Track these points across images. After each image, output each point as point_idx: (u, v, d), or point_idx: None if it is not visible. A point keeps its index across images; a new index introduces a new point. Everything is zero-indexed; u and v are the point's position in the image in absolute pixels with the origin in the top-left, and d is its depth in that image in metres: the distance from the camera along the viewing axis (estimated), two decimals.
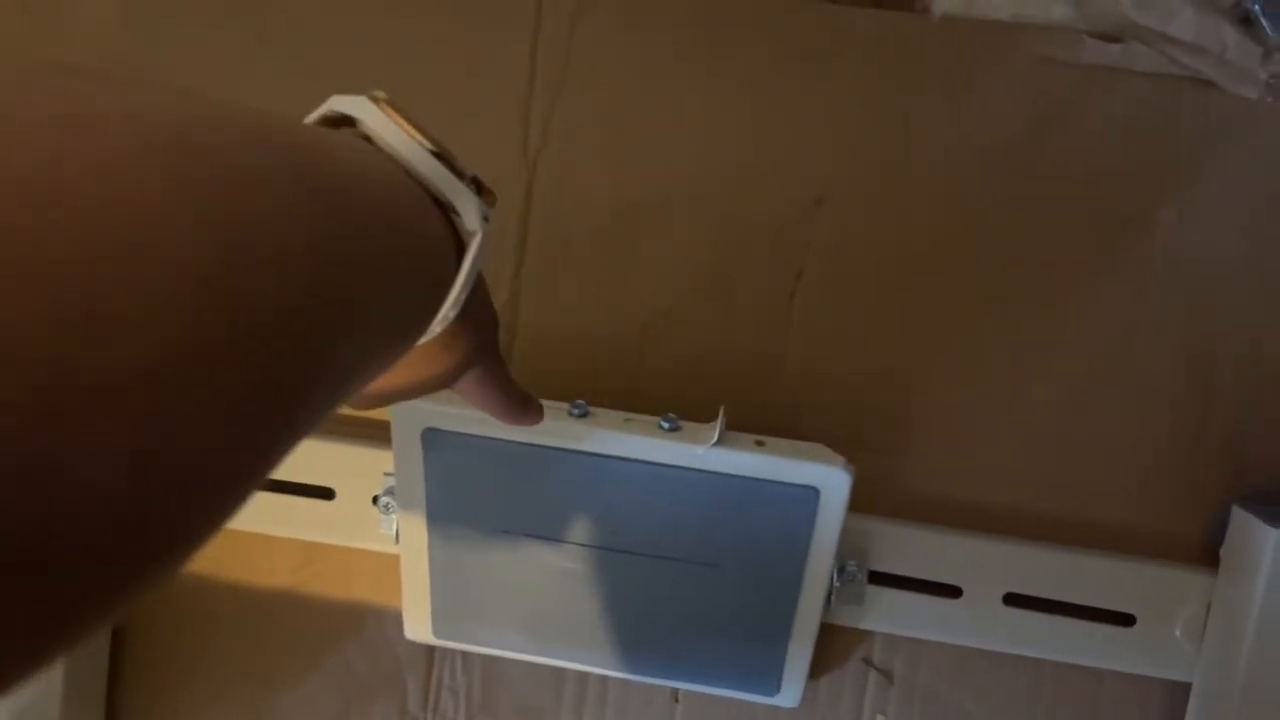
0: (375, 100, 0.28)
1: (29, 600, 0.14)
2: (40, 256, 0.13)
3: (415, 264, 0.26)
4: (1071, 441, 0.57)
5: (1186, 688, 0.57)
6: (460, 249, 0.29)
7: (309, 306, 0.20)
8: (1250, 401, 0.56)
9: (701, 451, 0.51)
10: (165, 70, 0.59)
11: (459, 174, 0.28)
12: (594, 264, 0.58)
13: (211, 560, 0.62)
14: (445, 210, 0.28)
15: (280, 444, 0.20)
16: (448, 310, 0.29)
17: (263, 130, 0.20)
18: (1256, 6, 0.52)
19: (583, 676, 0.61)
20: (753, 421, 0.55)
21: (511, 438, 0.52)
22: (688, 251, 0.58)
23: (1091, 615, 0.57)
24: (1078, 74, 0.54)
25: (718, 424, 0.51)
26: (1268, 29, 0.52)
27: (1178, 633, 0.56)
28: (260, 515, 0.60)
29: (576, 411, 0.52)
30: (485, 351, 0.37)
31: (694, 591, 0.54)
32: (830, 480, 0.51)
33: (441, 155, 0.28)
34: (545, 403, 0.54)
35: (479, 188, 0.29)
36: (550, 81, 0.57)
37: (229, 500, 0.18)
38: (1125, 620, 0.57)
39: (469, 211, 0.29)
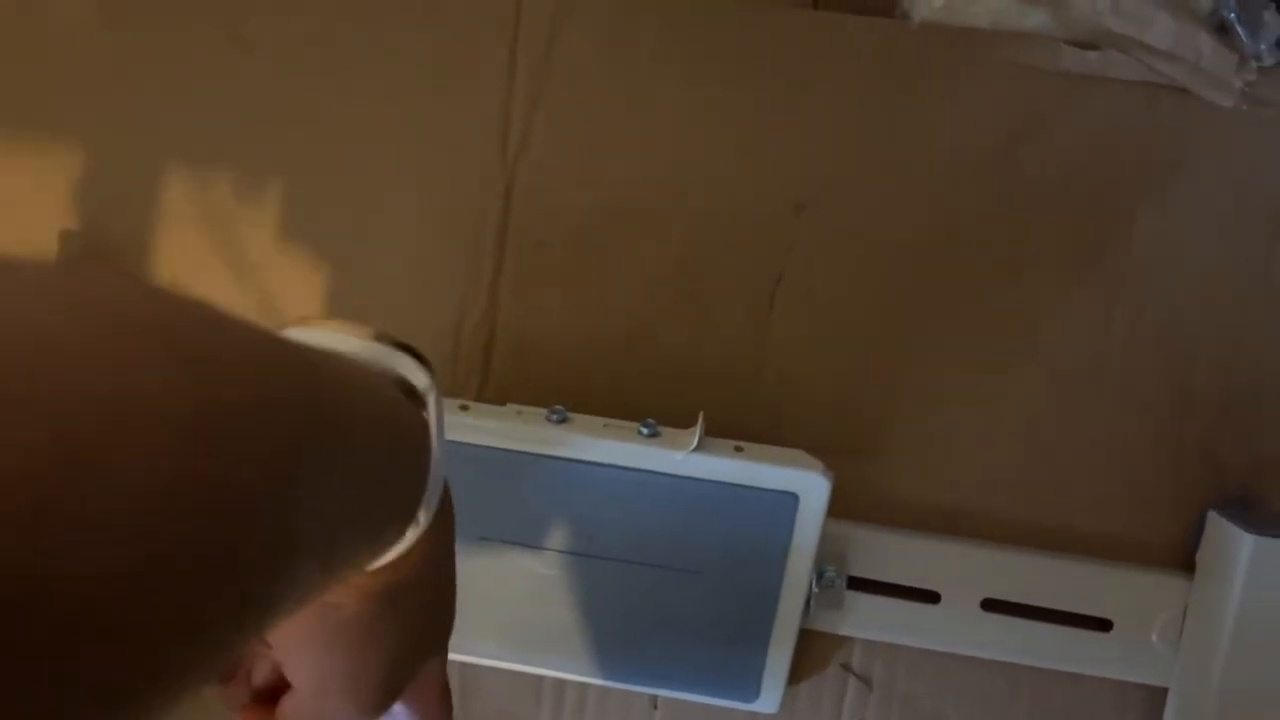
0: (305, 322, 0.29)
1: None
2: (40, 394, 0.15)
3: (389, 429, 0.27)
4: (1049, 447, 0.57)
5: (1164, 692, 0.57)
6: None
7: (283, 455, 0.20)
8: (1226, 407, 0.56)
9: (680, 457, 0.51)
10: (141, 74, 0.59)
11: (398, 346, 0.29)
12: (573, 268, 0.58)
13: None
14: (408, 395, 0.29)
15: (254, 611, 0.20)
16: (429, 497, 0.29)
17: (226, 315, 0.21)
18: (1233, 15, 0.52)
19: (560, 684, 0.60)
20: (732, 427, 0.55)
21: (489, 444, 0.51)
22: (667, 256, 0.58)
23: (1069, 620, 0.57)
24: (1055, 81, 0.55)
25: (697, 429, 0.51)
26: (1244, 37, 0.52)
27: (1155, 638, 0.56)
28: None
29: (555, 417, 0.52)
30: (452, 609, 0.35)
31: (672, 597, 0.54)
32: (809, 486, 0.51)
33: (378, 337, 0.29)
34: (525, 408, 0.54)
35: (418, 356, 0.29)
36: (530, 85, 0.57)
37: (209, 640, 0.18)
38: (1103, 625, 0.57)
39: (415, 374, 0.29)
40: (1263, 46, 0.52)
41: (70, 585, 0.14)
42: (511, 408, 0.54)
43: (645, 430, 0.52)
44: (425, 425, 0.29)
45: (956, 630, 0.57)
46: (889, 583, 0.57)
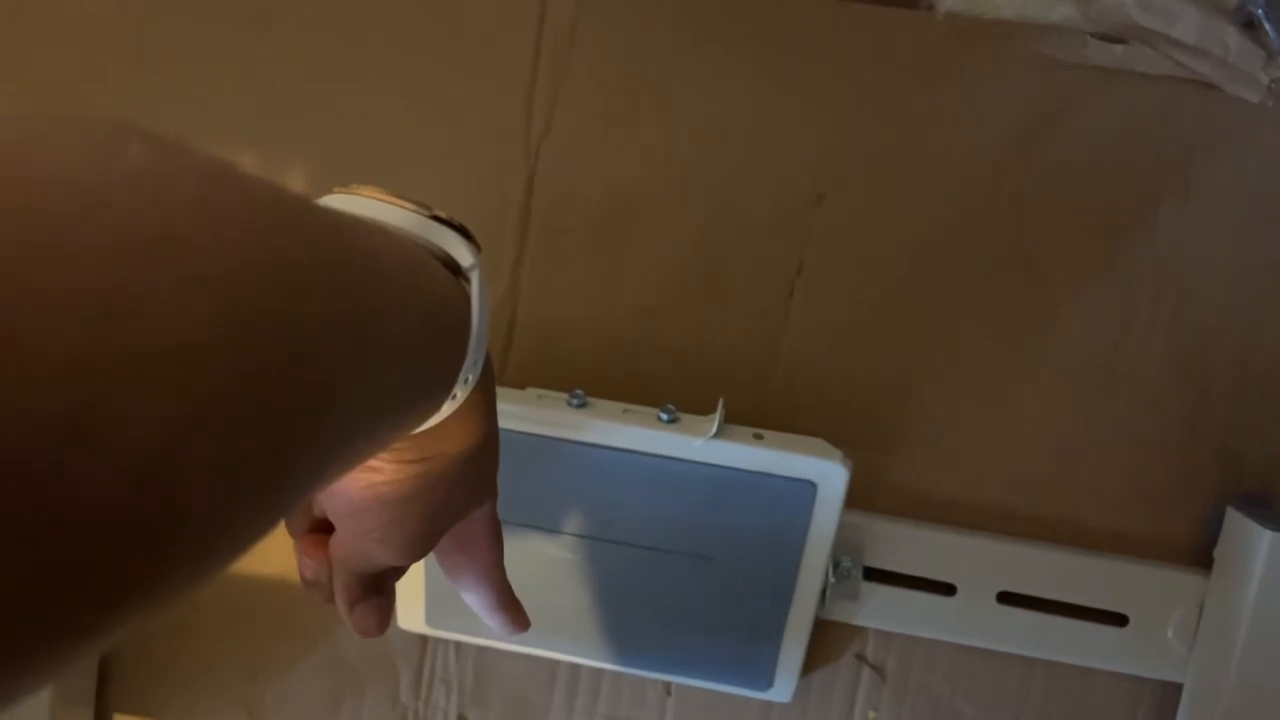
0: (348, 189, 0.29)
1: (60, 571, 0.14)
2: (82, 242, 0.14)
3: (425, 302, 0.27)
4: (1067, 441, 0.57)
5: (1178, 688, 0.57)
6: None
7: (326, 312, 0.20)
8: (1245, 403, 0.56)
9: (699, 443, 0.51)
10: (160, 60, 0.59)
11: (443, 221, 0.29)
12: (594, 254, 0.58)
13: None
14: (449, 268, 0.29)
15: (302, 454, 0.20)
16: (466, 371, 0.29)
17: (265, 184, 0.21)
18: (1260, 10, 0.52)
19: (575, 668, 0.61)
20: (751, 415, 0.55)
21: (509, 427, 0.52)
22: (688, 243, 0.58)
23: (1085, 615, 0.57)
24: (1080, 74, 0.55)
25: (716, 416, 0.51)
26: (1271, 33, 0.52)
27: (1170, 633, 0.56)
28: None
29: (575, 401, 0.52)
30: (494, 470, 0.35)
31: (688, 584, 0.54)
32: (828, 475, 0.51)
33: (422, 210, 0.29)
34: (545, 392, 0.54)
35: (465, 234, 0.29)
36: (553, 73, 0.57)
37: (251, 492, 0.18)
38: (1118, 620, 0.57)
39: (459, 250, 0.29)
40: None
41: (109, 437, 0.14)
42: (532, 392, 0.54)
43: (665, 416, 0.52)
44: (467, 300, 0.29)
45: (971, 622, 0.57)
46: (905, 574, 0.57)
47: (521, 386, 0.55)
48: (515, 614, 0.40)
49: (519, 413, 0.52)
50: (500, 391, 0.53)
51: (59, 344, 0.13)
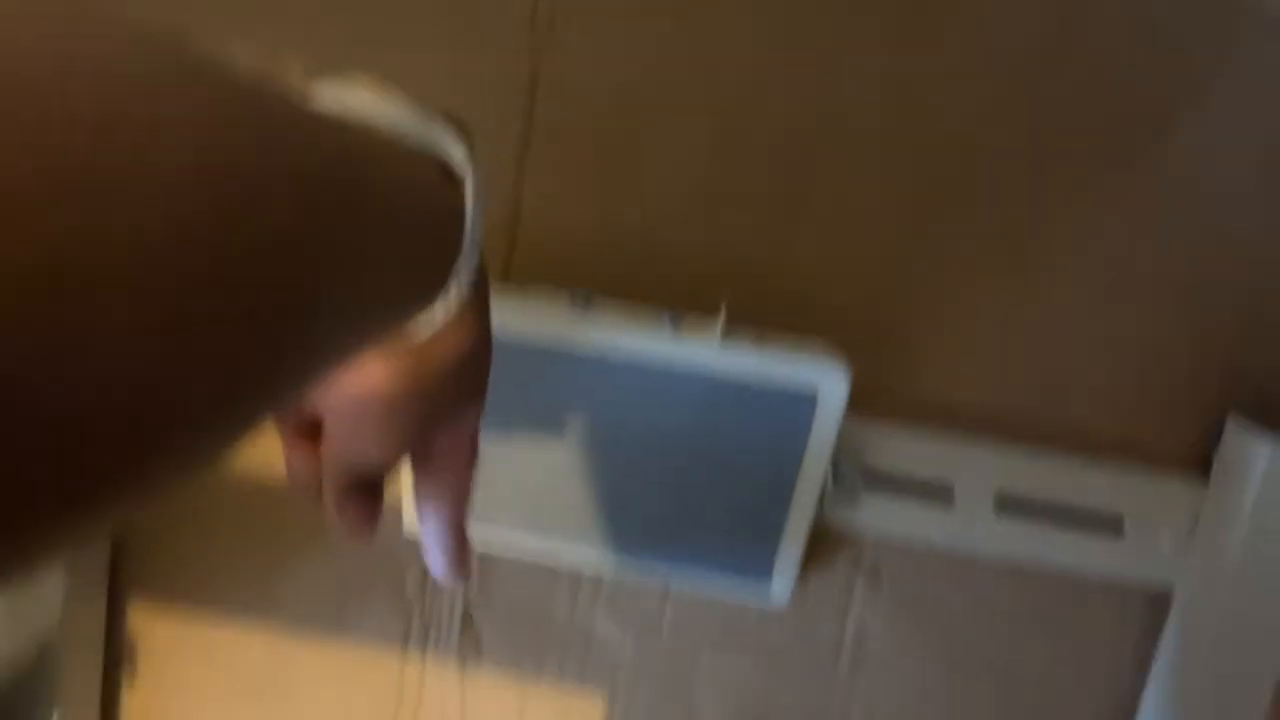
0: (344, 79, 0.28)
1: (49, 455, 0.14)
2: (56, 113, 0.14)
3: (419, 200, 0.26)
4: (1073, 348, 0.57)
5: (1168, 599, 0.58)
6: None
7: (316, 202, 0.20)
8: (1252, 315, 0.56)
9: (702, 348, 0.51)
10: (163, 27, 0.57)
11: (440, 118, 0.28)
12: (598, 158, 0.58)
13: None
14: (445, 166, 0.28)
15: (288, 349, 0.20)
16: (461, 272, 0.28)
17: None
18: None
19: (575, 576, 0.62)
20: (753, 321, 0.55)
21: (511, 331, 0.52)
22: (696, 147, 0.57)
23: (1081, 521, 0.57)
24: None
25: (719, 321, 0.51)
26: None
27: (1165, 542, 0.57)
28: None
29: (579, 302, 0.52)
30: (485, 377, 0.35)
31: (688, 488, 0.55)
32: (828, 380, 0.51)
33: (418, 105, 0.28)
34: (549, 291, 0.54)
35: (463, 131, 0.29)
36: None
37: (241, 381, 0.18)
38: (1114, 527, 0.57)
39: (454, 147, 0.28)
40: None
41: (92, 325, 0.14)
42: (535, 290, 0.54)
43: (668, 321, 0.52)
44: (461, 198, 0.28)
45: (969, 530, 0.58)
46: (904, 479, 0.58)
47: (524, 285, 0.55)
48: (462, 558, 0.37)
49: (521, 312, 0.51)
50: (501, 289, 0.54)
51: (38, 221, 0.13)
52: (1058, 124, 0.55)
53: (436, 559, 0.36)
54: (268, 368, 0.19)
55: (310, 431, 0.34)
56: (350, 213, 0.22)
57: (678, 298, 0.56)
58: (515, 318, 0.51)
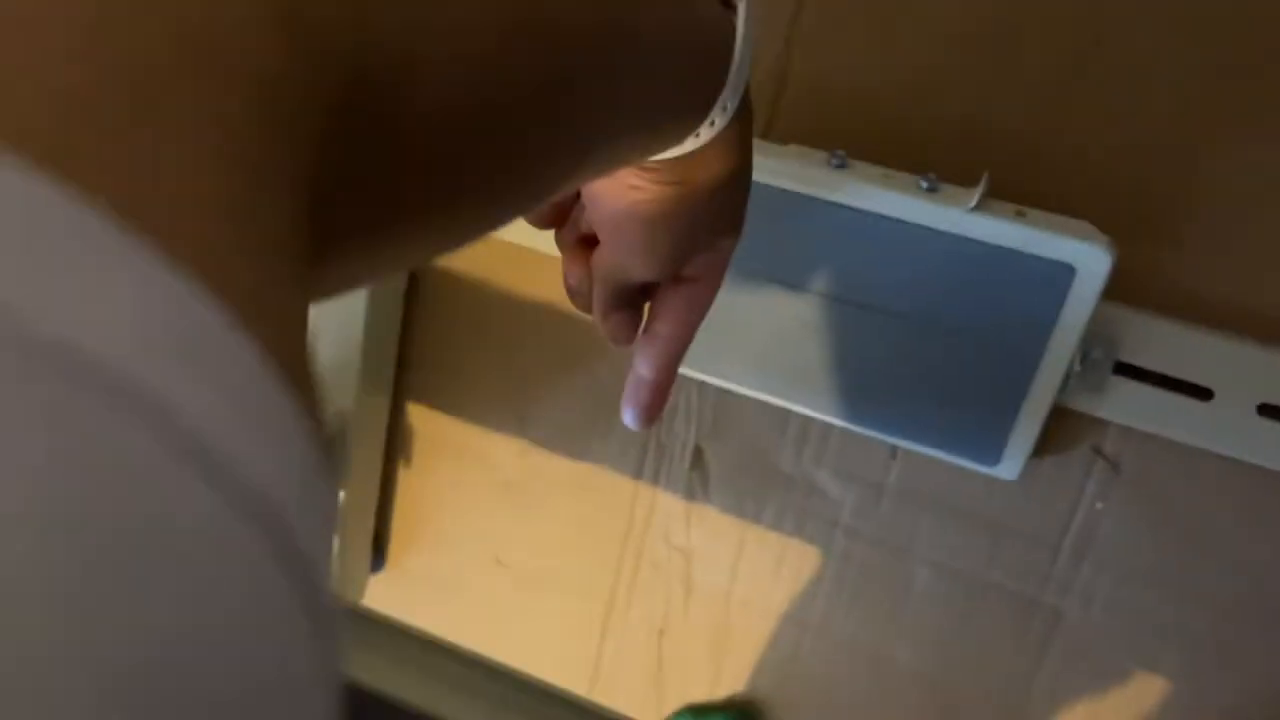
0: None
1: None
2: None
3: (689, 22, 0.28)
4: None
5: None
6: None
7: (587, 18, 0.23)
8: None
9: (958, 213, 0.50)
10: None
11: None
12: (874, 12, 0.56)
13: (485, 267, 0.69)
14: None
15: (561, 137, 0.23)
16: (726, 98, 0.30)
17: None
18: None
19: (807, 419, 0.64)
20: (1017, 192, 0.54)
21: (768, 182, 0.53)
22: (977, 4, 0.55)
23: None
24: None
25: (979, 188, 0.50)
26: None
27: None
28: (530, 231, 0.65)
29: (835, 161, 0.53)
30: (743, 207, 0.36)
31: (929, 351, 0.55)
32: (1089, 259, 0.49)
33: None
34: (806, 149, 0.55)
35: None
36: None
37: (520, 155, 0.22)
38: None
39: None
40: None
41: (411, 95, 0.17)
42: (794, 148, 0.55)
43: (925, 184, 0.52)
44: (733, 28, 0.30)
45: (1224, 430, 0.55)
46: (1158, 373, 0.56)
47: (784, 143, 0.56)
48: (652, 414, 0.39)
49: (778, 167, 0.53)
50: (761, 145, 0.55)
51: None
52: None
53: (630, 403, 0.39)
54: (544, 147, 0.23)
55: (585, 247, 0.37)
56: (627, 29, 0.24)
57: (939, 162, 0.55)
58: (770, 171, 0.53)
